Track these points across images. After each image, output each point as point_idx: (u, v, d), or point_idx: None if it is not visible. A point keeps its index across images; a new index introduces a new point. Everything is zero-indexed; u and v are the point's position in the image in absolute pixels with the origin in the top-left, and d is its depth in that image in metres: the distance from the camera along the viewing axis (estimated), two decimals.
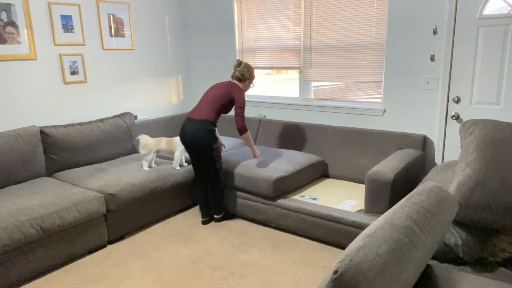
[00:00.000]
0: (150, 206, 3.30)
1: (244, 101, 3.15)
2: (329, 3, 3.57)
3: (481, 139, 1.98)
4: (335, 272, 1.14)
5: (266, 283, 2.49)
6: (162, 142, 3.45)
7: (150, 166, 3.40)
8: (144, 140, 3.38)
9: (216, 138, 3.12)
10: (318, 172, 3.52)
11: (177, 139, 3.48)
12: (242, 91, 3.21)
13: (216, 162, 3.17)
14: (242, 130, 3.12)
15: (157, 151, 3.45)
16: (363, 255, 1.20)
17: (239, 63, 3.25)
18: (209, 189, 3.33)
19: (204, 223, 3.34)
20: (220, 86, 3.22)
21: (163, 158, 3.84)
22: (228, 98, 3.14)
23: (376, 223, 1.35)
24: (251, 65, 3.46)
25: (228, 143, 3.99)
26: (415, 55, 3.18)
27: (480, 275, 1.75)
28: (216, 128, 3.18)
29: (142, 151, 3.38)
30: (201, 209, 3.35)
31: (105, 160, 3.64)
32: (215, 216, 3.36)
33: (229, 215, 3.46)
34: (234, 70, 3.26)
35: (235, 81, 3.26)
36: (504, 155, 1.87)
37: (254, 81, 3.37)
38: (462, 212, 1.81)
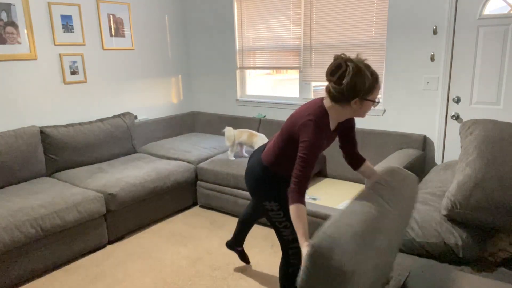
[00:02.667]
0: (150, 206, 3.30)
1: (310, 138, 1.63)
2: (329, 3, 3.57)
3: (481, 139, 1.98)
4: (312, 246, 1.22)
5: (266, 283, 2.49)
6: (244, 135, 3.52)
7: (237, 156, 3.54)
8: (228, 132, 3.52)
9: (273, 194, 1.92)
10: (317, 168, 3.52)
11: (260, 136, 3.47)
12: (319, 118, 1.68)
13: (280, 230, 1.94)
14: (291, 195, 1.64)
15: (240, 143, 3.55)
16: (335, 227, 1.28)
17: (338, 65, 1.61)
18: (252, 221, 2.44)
19: (227, 244, 2.61)
20: (298, 109, 1.82)
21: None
22: (291, 131, 1.76)
23: (347, 203, 1.48)
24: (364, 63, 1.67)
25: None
26: (415, 55, 3.17)
27: (480, 275, 1.75)
28: (270, 177, 1.93)
29: (226, 142, 3.54)
30: (234, 235, 2.54)
31: (105, 160, 3.64)
32: None
33: None
34: (327, 80, 1.67)
35: (328, 102, 1.72)
36: (504, 155, 1.87)
37: (376, 94, 1.70)
38: (462, 212, 1.81)
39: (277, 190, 1.91)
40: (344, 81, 1.58)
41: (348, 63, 1.59)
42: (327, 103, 1.72)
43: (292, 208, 1.61)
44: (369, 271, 1.33)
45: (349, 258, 1.23)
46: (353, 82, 1.58)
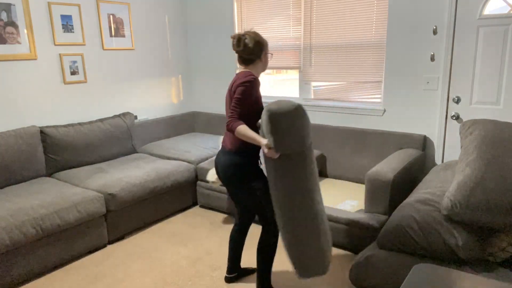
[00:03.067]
0: (150, 206, 3.30)
1: (245, 86, 2.06)
2: (329, 3, 3.57)
3: (481, 139, 1.98)
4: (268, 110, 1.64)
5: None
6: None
7: None
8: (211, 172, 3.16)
9: (254, 173, 2.16)
10: (317, 166, 3.53)
11: None
12: (250, 74, 2.11)
13: (263, 207, 2.18)
14: (229, 127, 2.05)
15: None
16: None
17: (238, 38, 2.11)
18: (244, 241, 2.48)
19: (228, 280, 2.48)
20: (229, 89, 2.19)
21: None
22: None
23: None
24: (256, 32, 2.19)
25: None
26: (415, 55, 3.18)
27: (480, 275, 1.75)
28: (247, 160, 2.17)
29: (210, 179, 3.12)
30: (229, 259, 2.48)
31: (105, 160, 3.64)
32: None
33: None
34: (235, 51, 2.16)
35: (242, 68, 2.20)
36: (504, 155, 1.87)
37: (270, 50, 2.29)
38: (462, 212, 1.81)
39: (255, 167, 2.17)
40: (251, 45, 2.11)
41: (245, 35, 2.13)
42: (243, 70, 2.19)
43: (241, 128, 2.00)
44: None
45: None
46: (256, 42, 2.12)
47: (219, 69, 4.51)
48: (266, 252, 2.23)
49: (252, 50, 2.12)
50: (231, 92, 2.13)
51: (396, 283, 1.86)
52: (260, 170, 2.19)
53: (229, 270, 2.49)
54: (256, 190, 2.13)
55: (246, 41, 2.11)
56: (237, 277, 2.52)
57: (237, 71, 2.38)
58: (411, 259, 1.90)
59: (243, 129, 1.99)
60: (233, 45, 2.15)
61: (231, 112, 2.05)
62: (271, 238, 2.21)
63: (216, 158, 2.27)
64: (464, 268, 1.81)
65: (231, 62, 4.38)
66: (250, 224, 2.44)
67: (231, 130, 2.03)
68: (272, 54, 2.31)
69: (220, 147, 2.32)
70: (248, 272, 2.58)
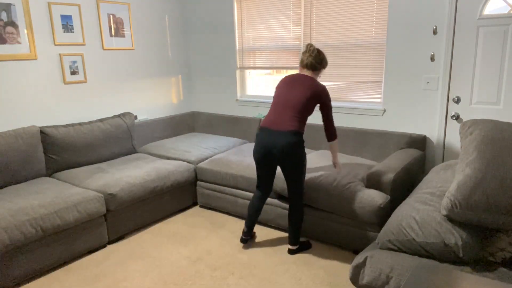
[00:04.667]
0: (150, 206, 3.30)
1: (329, 98, 2.65)
2: (329, 3, 3.57)
3: (481, 139, 1.98)
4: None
5: (266, 283, 2.49)
6: None
7: None
8: None
9: (305, 151, 2.65)
10: None
11: None
12: (324, 86, 2.64)
13: (303, 181, 2.67)
14: (334, 136, 2.71)
15: None
16: None
17: (311, 47, 2.64)
18: (262, 206, 2.89)
19: (244, 241, 2.94)
20: (296, 85, 2.61)
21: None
22: (312, 100, 2.58)
23: None
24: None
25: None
26: (415, 55, 3.18)
27: (480, 275, 1.75)
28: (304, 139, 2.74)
29: None
30: (247, 225, 2.89)
31: (105, 160, 3.64)
32: (290, 247, 2.82)
33: (307, 244, 2.90)
34: (307, 56, 2.65)
35: (307, 72, 2.67)
36: (504, 155, 1.87)
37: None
38: (462, 212, 1.81)
39: (304, 147, 2.63)
40: (321, 56, 2.67)
41: (316, 48, 2.69)
42: (310, 74, 2.69)
43: (336, 142, 2.77)
44: None
45: None
46: (322, 57, 2.69)
47: (219, 69, 4.51)
48: (297, 215, 2.73)
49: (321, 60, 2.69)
50: (308, 93, 2.57)
51: (396, 283, 1.86)
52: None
53: (245, 234, 2.91)
54: (303, 166, 2.62)
55: (318, 49, 2.69)
56: (250, 239, 2.97)
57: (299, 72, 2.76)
58: (411, 259, 1.90)
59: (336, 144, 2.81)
60: (309, 50, 2.67)
61: (333, 121, 2.70)
62: (301, 205, 2.73)
63: (271, 141, 2.58)
64: (464, 268, 1.81)
65: (231, 62, 4.38)
66: (269, 195, 2.89)
67: (334, 137, 2.73)
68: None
69: (265, 128, 2.64)
70: (254, 235, 3.09)
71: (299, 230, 2.78)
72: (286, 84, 2.66)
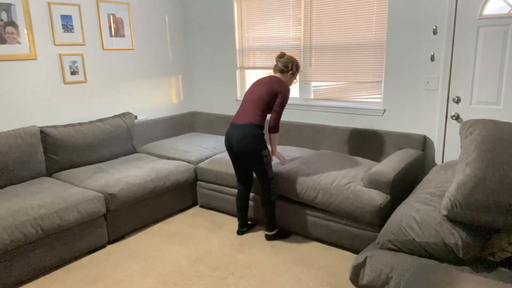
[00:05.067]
0: (150, 206, 3.30)
1: (287, 96, 2.86)
2: (329, 3, 3.57)
3: (481, 139, 1.98)
4: None
5: (266, 283, 2.49)
6: None
7: None
8: None
9: (265, 144, 2.84)
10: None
11: None
12: (287, 85, 2.92)
13: (267, 171, 2.85)
14: (275, 129, 2.88)
15: None
16: None
17: (282, 54, 2.97)
18: (249, 198, 3.16)
19: (240, 233, 3.14)
20: (262, 83, 2.92)
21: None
22: (272, 95, 2.84)
23: None
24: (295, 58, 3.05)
25: (300, 153, 3.60)
26: (415, 55, 3.18)
27: (480, 275, 1.75)
28: (264, 132, 2.93)
29: None
30: (239, 218, 3.14)
31: (105, 160, 3.64)
32: (266, 233, 3.03)
33: (285, 233, 3.09)
34: (276, 61, 2.99)
35: (277, 74, 2.99)
36: (504, 155, 1.87)
37: (298, 76, 3.05)
38: (462, 212, 1.81)
39: (264, 139, 2.84)
40: (288, 60, 2.96)
41: (287, 54, 3.00)
42: (278, 75, 2.98)
43: (275, 135, 2.91)
44: None
45: None
46: (290, 61, 2.96)
47: (219, 69, 4.51)
48: (268, 204, 2.92)
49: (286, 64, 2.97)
50: (266, 89, 2.85)
51: (396, 283, 1.86)
52: (265, 142, 2.87)
53: (241, 226, 3.14)
54: (264, 157, 2.81)
55: (287, 56, 2.98)
56: (246, 230, 3.17)
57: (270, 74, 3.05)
58: (411, 259, 1.90)
59: (277, 136, 2.96)
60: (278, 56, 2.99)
61: (279, 115, 2.85)
62: (271, 194, 2.91)
63: (231, 133, 2.85)
64: (464, 268, 1.81)
65: (231, 62, 4.38)
66: (251, 186, 3.10)
67: (276, 130, 2.87)
68: (297, 80, 3.12)
69: (231, 123, 2.92)
70: (252, 226, 3.26)
71: (271, 217, 2.97)
72: (255, 84, 2.96)
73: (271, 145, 2.99)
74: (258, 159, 2.80)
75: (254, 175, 3.08)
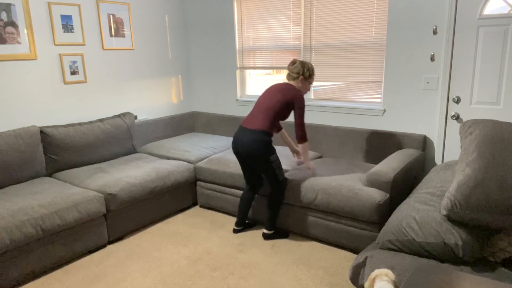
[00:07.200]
0: (150, 206, 3.30)
1: (303, 104, 2.84)
2: (329, 3, 3.57)
3: (481, 139, 1.98)
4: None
5: (266, 283, 2.49)
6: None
7: None
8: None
9: (273, 149, 2.86)
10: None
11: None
12: (300, 92, 2.88)
13: (277, 174, 2.88)
14: (303, 139, 2.88)
15: None
16: None
17: (294, 61, 2.95)
18: (253, 200, 3.19)
19: (236, 231, 3.17)
20: (275, 90, 2.91)
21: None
22: (283, 103, 2.84)
23: None
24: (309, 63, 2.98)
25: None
26: (415, 55, 3.18)
27: (480, 275, 1.75)
28: (272, 139, 2.96)
29: None
30: (238, 216, 3.16)
31: (105, 160, 3.64)
32: (265, 231, 3.04)
33: (283, 233, 3.09)
34: (288, 69, 2.98)
35: (290, 81, 2.97)
36: (504, 155, 1.87)
37: (313, 81, 3.02)
38: (462, 212, 1.81)
39: (271, 145, 2.87)
40: (298, 66, 2.92)
41: (298, 60, 2.96)
42: (292, 82, 2.96)
43: (306, 144, 2.94)
44: None
45: None
46: (301, 66, 2.91)
47: (219, 69, 4.51)
48: (274, 204, 2.96)
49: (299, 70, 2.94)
50: (278, 97, 2.85)
51: None
52: (273, 148, 2.89)
53: (237, 224, 3.16)
54: (272, 162, 2.85)
55: (297, 62, 2.95)
56: (243, 229, 3.19)
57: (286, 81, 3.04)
58: (411, 259, 1.90)
59: (307, 145, 2.98)
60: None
61: (302, 123, 2.85)
62: (280, 195, 2.95)
63: (239, 137, 2.89)
64: (464, 268, 1.81)
65: (231, 62, 4.38)
66: (260, 187, 3.12)
67: (304, 138, 2.88)
68: (312, 86, 3.20)
69: (240, 127, 2.95)
70: (250, 225, 3.27)
71: (274, 217, 3.00)
72: (268, 91, 2.97)
73: (302, 156, 3.00)
74: (265, 163, 2.84)
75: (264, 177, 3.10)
